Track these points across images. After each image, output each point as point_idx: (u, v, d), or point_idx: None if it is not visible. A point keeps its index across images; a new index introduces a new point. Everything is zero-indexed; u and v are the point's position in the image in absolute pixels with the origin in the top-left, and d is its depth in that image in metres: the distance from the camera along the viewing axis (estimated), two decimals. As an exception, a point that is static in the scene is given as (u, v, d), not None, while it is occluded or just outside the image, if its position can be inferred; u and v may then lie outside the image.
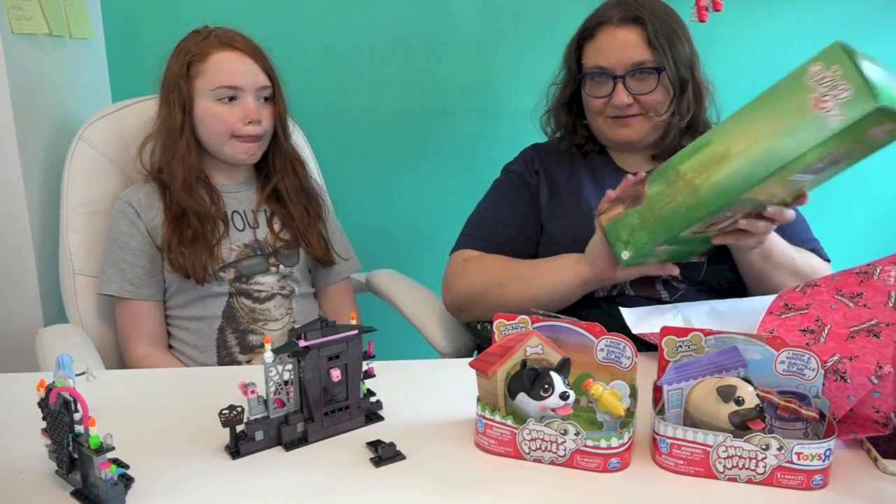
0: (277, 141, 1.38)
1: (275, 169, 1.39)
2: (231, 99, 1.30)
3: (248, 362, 1.34)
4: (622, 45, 1.26)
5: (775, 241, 1.20)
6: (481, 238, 1.35)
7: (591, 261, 1.18)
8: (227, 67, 1.29)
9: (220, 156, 1.35)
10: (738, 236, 1.11)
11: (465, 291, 1.31)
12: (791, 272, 1.22)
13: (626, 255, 1.08)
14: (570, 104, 1.39)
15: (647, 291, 1.28)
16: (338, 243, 1.48)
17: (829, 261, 1.32)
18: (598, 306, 1.27)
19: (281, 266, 1.38)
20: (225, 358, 1.34)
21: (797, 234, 1.30)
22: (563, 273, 1.22)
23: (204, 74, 1.30)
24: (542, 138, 1.49)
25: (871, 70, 0.88)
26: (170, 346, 1.37)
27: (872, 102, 0.84)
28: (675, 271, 1.15)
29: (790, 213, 1.10)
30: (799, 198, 1.10)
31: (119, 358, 1.38)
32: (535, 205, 1.37)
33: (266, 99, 1.34)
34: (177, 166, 1.31)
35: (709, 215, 1.01)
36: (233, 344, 1.34)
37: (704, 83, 1.33)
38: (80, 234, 1.38)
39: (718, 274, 1.28)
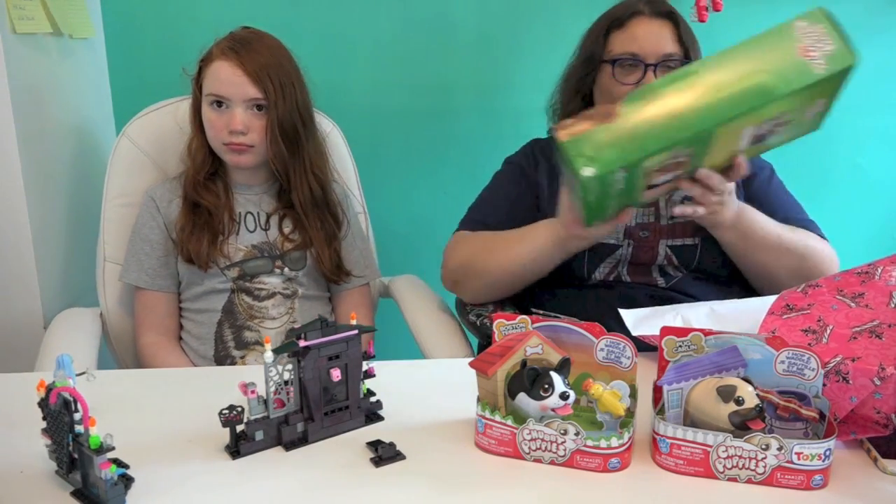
0: (278, 153, 1.33)
1: (286, 180, 1.38)
2: (222, 105, 1.30)
3: (242, 358, 1.36)
4: (657, 36, 1.30)
5: (753, 219, 1.21)
6: (474, 220, 1.40)
7: (560, 215, 1.19)
8: (218, 76, 1.29)
9: (222, 159, 1.37)
10: (685, 209, 1.13)
11: (455, 264, 1.36)
12: (781, 250, 1.23)
13: (588, 171, 0.98)
14: (583, 93, 1.40)
15: (643, 278, 1.31)
16: (356, 256, 1.47)
17: (826, 239, 1.32)
18: (597, 289, 1.28)
19: (286, 269, 1.39)
20: (221, 352, 1.36)
21: (789, 215, 1.32)
22: (538, 234, 1.25)
23: (205, 79, 1.32)
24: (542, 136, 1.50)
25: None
26: (181, 338, 1.41)
27: (852, 57, 0.95)
28: (629, 217, 1.14)
29: (715, 177, 1.10)
30: (731, 167, 1.10)
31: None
32: (531, 192, 1.39)
33: (261, 111, 1.31)
34: (189, 161, 1.38)
35: (684, 142, 1.00)
36: (229, 339, 1.36)
37: None
38: (115, 224, 1.45)
39: (713, 259, 1.29)
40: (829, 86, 0.99)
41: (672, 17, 1.31)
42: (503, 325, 0.93)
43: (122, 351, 1.46)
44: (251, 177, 1.41)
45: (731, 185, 1.14)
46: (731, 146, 1.06)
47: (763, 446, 0.79)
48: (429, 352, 1.35)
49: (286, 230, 1.40)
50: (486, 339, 1.34)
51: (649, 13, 1.31)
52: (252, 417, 0.85)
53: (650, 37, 1.29)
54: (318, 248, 1.40)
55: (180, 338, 1.41)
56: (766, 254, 1.23)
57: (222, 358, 1.36)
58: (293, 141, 1.34)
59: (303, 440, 0.88)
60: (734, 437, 0.79)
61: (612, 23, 1.33)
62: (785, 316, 0.98)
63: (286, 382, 0.87)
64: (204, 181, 1.36)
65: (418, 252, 1.99)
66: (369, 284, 1.53)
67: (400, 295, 1.58)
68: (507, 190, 1.42)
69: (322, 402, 0.88)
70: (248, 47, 1.30)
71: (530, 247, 1.25)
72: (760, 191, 1.35)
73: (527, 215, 1.36)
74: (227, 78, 1.29)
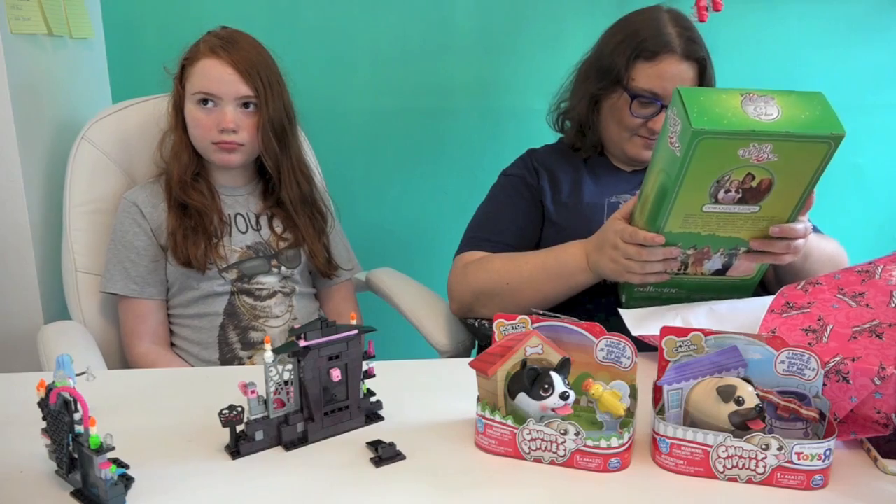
0: (271, 151, 1.34)
1: (278, 178, 1.38)
2: (210, 104, 1.30)
3: (250, 358, 1.36)
4: (681, 80, 1.27)
5: (811, 240, 1.17)
6: (481, 238, 1.35)
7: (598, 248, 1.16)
8: (207, 74, 1.29)
9: (207, 159, 1.36)
10: (764, 258, 1.10)
11: (468, 295, 1.30)
12: (824, 260, 1.22)
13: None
14: (596, 98, 1.37)
15: None
16: (340, 250, 1.49)
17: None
18: (604, 293, 1.27)
19: (283, 268, 1.39)
20: (227, 354, 1.35)
21: None
22: (567, 263, 1.20)
23: (190, 78, 1.31)
24: (540, 138, 1.50)
25: (718, 104, 0.97)
26: (172, 345, 1.39)
27: (690, 128, 0.94)
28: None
29: (798, 227, 1.07)
30: (803, 208, 1.08)
31: (121, 356, 1.40)
32: (536, 204, 1.37)
33: (250, 108, 1.31)
34: (172, 163, 1.35)
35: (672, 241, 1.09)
36: (234, 341, 1.35)
37: None
38: (83, 232, 1.40)
39: None
40: (711, 147, 0.96)
41: (701, 63, 1.28)
42: (503, 325, 0.93)
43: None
44: (236, 178, 1.40)
45: (809, 225, 1.09)
46: (722, 222, 1.06)
47: (763, 446, 0.79)
48: (429, 336, 1.35)
49: (277, 229, 1.40)
50: (485, 341, 1.34)
51: (681, 54, 1.27)
52: (252, 417, 0.85)
53: (675, 80, 1.26)
54: (310, 245, 1.40)
55: (172, 344, 1.38)
56: (819, 266, 1.21)
57: (229, 360, 1.35)
58: (282, 139, 1.35)
59: (303, 440, 0.88)
60: (734, 437, 0.79)
61: (641, 51, 1.28)
62: (785, 314, 0.98)
63: (286, 382, 0.87)
64: (190, 181, 1.34)
65: (410, 249, 2.00)
66: (351, 280, 1.54)
67: (385, 286, 1.59)
68: (513, 204, 1.37)
69: (322, 402, 0.88)
70: (236, 45, 1.30)
71: (564, 281, 1.21)
72: None
73: (537, 229, 1.35)
74: (218, 76, 1.28)
